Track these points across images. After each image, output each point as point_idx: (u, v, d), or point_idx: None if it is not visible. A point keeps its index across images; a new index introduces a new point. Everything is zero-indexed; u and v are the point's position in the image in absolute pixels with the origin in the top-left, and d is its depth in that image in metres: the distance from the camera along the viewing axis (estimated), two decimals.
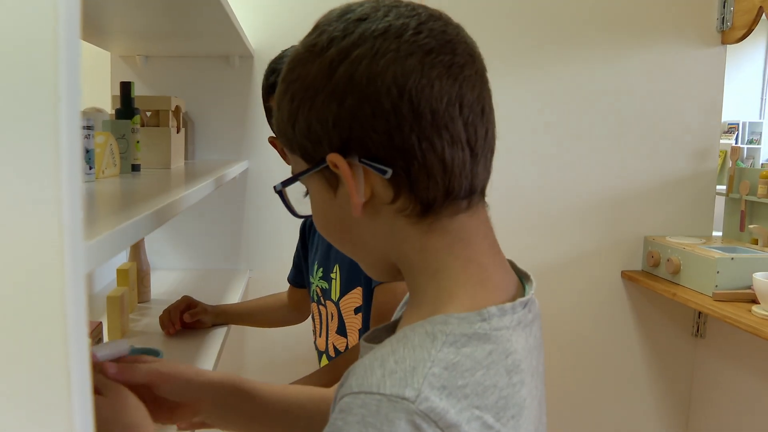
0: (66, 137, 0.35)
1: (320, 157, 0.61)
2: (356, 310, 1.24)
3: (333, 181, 0.63)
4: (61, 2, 0.34)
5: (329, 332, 1.34)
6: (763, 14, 2.14)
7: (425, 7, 0.64)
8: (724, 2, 2.31)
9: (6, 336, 0.36)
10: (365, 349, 0.68)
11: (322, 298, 1.36)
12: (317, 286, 1.39)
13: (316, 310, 1.41)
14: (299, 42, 0.64)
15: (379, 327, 0.73)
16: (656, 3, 2.32)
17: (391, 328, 0.71)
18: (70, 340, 0.36)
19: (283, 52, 1.37)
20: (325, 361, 1.39)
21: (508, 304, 0.61)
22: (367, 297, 1.21)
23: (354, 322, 1.26)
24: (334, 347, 1.33)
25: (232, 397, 0.86)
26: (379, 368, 0.55)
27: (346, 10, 0.62)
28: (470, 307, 0.60)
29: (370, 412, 0.53)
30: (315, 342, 1.45)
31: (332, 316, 1.31)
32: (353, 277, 1.24)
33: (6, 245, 0.36)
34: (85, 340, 0.37)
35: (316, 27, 0.63)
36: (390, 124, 0.58)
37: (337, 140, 0.60)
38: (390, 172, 0.59)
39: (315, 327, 1.44)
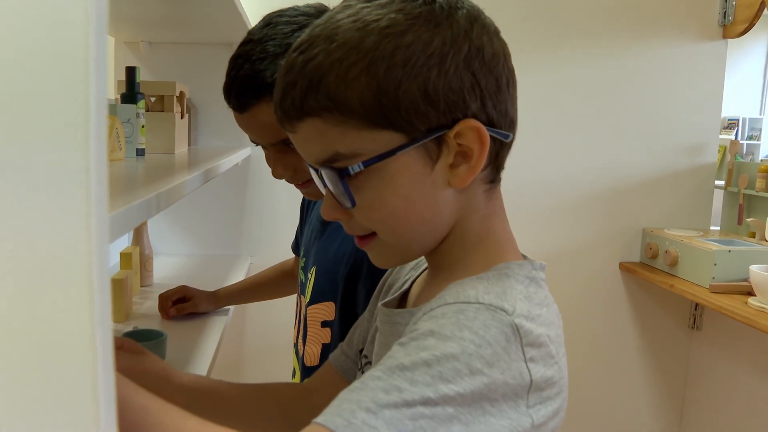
0: (94, 120, 0.36)
1: (438, 125, 0.59)
2: (324, 324, 1.13)
3: (434, 153, 0.61)
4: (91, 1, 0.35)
5: (298, 330, 1.21)
6: (765, 8, 2.14)
7: None
8: None
9: (34, 308, 0.38)
10: (390, 315, 0.72)
11: (299, 288, 1.26)
12: (300, 273, 1.28)
13: (296, 298, 1.30)
14: (365, 15, 0.59)
15: (388, 299, 0.76)
16: None
17: (401, 297, 0.76)
18: (96, 307, 0.38)
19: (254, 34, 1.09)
20: (294, 356, 1.29)
21: (543, 263, 0.69)
22: (344, 313, 1.08)
23: (319, 335, 1.14)
24: (297, 348, 1.22)
25: (202, 397, 0.87)
26: (472, 289, 0.59)
27: None
28: (517, 259, 0.66)
29: (467, 317, 0.56)
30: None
31: (301, 316, 1.19)
32: (327, 288, 1.11)
33: (37, 218, 0.37)
34: (108, 308, 0.39)
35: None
36: (506, 97, 0.64)
37: (472, 107, 0.60)
38: (511, 136, 0.65)
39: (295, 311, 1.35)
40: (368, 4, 0.60)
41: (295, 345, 1.22)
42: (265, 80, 0.94)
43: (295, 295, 1.59)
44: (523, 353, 0.55)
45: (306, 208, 1.44)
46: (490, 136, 0.61)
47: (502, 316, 0.56)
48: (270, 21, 0.99)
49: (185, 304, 1.56)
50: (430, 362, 0.52)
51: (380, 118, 0.58)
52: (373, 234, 0.66)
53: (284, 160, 1.01)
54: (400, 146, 0.59)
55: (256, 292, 1.65)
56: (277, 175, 1.02)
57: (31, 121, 0.37)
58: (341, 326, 1.09)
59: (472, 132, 0.60)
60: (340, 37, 0.58)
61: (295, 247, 1.57)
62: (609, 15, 2.32)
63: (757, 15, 2.19)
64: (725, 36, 2.36)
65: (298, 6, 1.03)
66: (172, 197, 0.87)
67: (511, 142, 0.66)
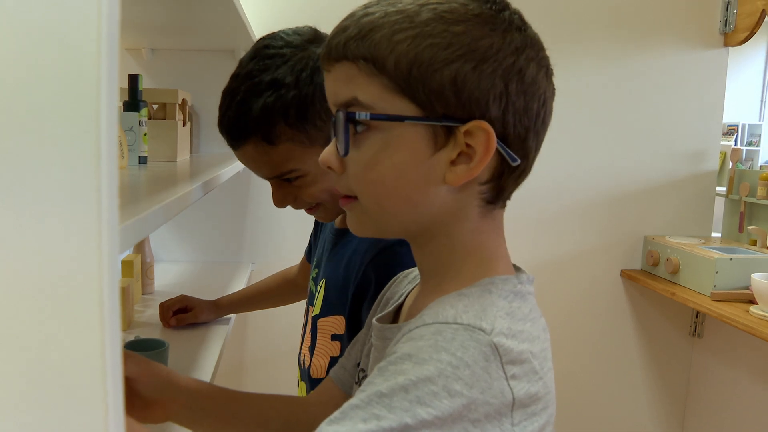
0: (105, 132, 0.36)
1: (454, 114, 0.61)
2: (333, 337, 1.12)
3: (440, 141, 0.62)
4: (104, 6, 0.36)
5: (304, 340, 1.21)
6: (766, 17, 2.15)
7: None
8: (728, 5, 2.32)
9: (44, 317, 0.38)
10: (381, 330, 0.72)
11: (308, 298, 1.26)
12: (311, 283, 1.28)
13: (305, 308, 1.30)
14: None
15: (383, 314, 0.76)
16: (660, 4, 2.33)
17: (395, 311, 0.76)
18: (105, 319, 0.37)
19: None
20: (298, 368, 1.29)
21: (531, 276, 0.69)
22: (351, 329, 1.08)
23: (328, 348, 1.13)
24: (304, 361, 1.20)
25: (205, 401, 0.89)
26: (452, 308, 0.60)
27: (500, 1, 0.65)
28: (505, 273, 0.67)
29: (444, 338, 0.56)
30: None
31: (309, 327, 1.18)
32: (336, 302, 1.11)
33: (47, 228, 0.37)
34: (117, 319, 0.39)
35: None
36: (530, 124, 0.64)
37: (492, 113, 0.61)
38: (519, 161, 0.64)
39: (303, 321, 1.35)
40: None
41: (301, 356, 1.21)
42: (250, 119, 0.96)
43: (297, 303, 1.60)
44: (504, 371, 0.56)
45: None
46: (498, 151, 0.62)
47: (480, 336, 0.56)
48: (256, 53, 1.00)
49: (186, 315, 1.56)
50: (407, 387, 0.53)
51: (405, 86, 0.60)
52: (356, 198, 0.67)
53: (283, 192, 1.03)
54: (411, 117, 0.61)
55: (258, 300, 1.64)
56: (278, 204, 1.05)
57: (43, 137, 0.37)
58: (350, 341, 1.08)
59: (481, 133, 0.61)
60: (402, 5, 0.62)
61: (308, 254, 1.55)
62: (611, 22, 2.32)
63: (758, 23, 2.19)
64: (726, 44, 2.37)
65: (287, 31, 1.03)
66: (177, 207, 0.87)
67: (521, 172, 0.67)
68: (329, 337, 1.12)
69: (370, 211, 0.66)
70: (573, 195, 2.37)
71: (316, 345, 1.13)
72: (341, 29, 0.64)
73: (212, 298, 1.62)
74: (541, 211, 2.36)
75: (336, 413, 0.54)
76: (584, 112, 2.35)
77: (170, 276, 2.06)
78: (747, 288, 1.99)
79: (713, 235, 2.48)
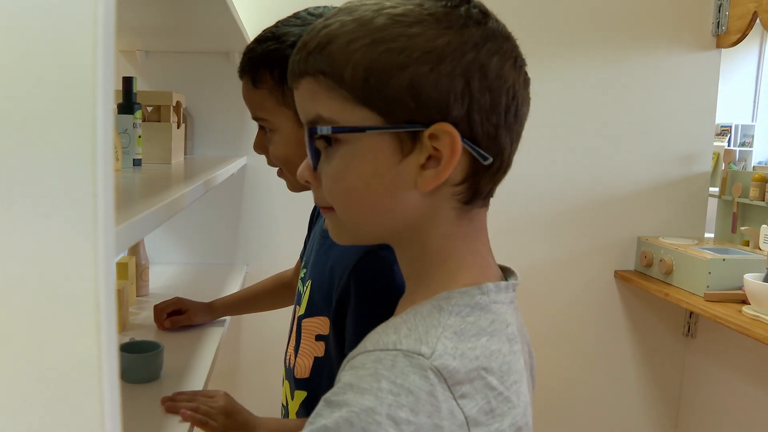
0: (102, 136, 0.37)
1: (416, 119, 0.60)
2: (318, 337, 1.13)
3: (407, 147, 0.61)
4: (100, 11, 0.36)
5: (290, 340, 1.22)
6: (758, 19, 2.16)
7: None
8: (720, 7, 2.33)
9: (40, 321, 0.38)
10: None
11: (296, 298, 1.26)
12: (299, 283, 1.28)
13: (293, 308, 1.30)
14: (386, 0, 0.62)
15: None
16: (653, 7, 2.34)
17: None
18: (102, 321, 0.38)
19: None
20: (284, 366, 1.31)
21: (503, 283, 0.66)
22: (337, 330, 1.09)
23: (312, 348, 1.14)
24: (289, 361, 1.21)
25: None
26: (394, 333, 0.59)
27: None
28: (471, 284, 0.64)
29: (384, 366, 0.55)
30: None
31: (294, 327, 1.20)
32: (321, 303, 1.12)
33: (43, 231, 0.38)
34: (114, 322, 0.39)
35: None
36: (500, 121, 0.62)
37: (454, 114, 0.60)
38: (490, 160, 0.62)
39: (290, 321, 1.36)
40: None
41: (286, 356, 1.22)
42: (250, 58, 1.05)
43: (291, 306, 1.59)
44: (452, 392, 0.55)
45: (313, 217, 1.43)
46: (468, 151, 0.61)
47: (420, 361, 0.55)
48: (297, 13, 1.13)
49: (179, 317, 1.56)
50: (351, 420, 0.52)
51: (364, 95, 0.60)
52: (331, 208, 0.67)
53: (260, 139, 1.10)
54: (372, 126, 0.60)
55: (253, 303, 1.63)
56: (254, 148, 1.12)
57: (39, 141, 0.38)
58: (335, 342, 1.09)
59: (445, 136, 0.59)
60: (358, 12, 0.61)
61: (302, 256, 1.55)
62: (604, 25, 2.33)
63: (750, 25, 2.20)
64: (719, 46, 2.38)
65: (331, 7, 1.08)
66: (172, 210, 0.87)
67: (497, 169, 0.65)
68: (314, 337, 1.13)
69: (345, 221, 0.66)
70: (567, 196, 2.38)
71: (301, 345, 1.14)
72: (303, 44, 0.63)
73: (207, 300, 1.62)
74: (535, 212, 2.36)
75: None
76: (578, 114, 2.36)
77: (165, 278, 2.06)
78: (740, 288, 2.00)
79: (706, 235, 2.50)
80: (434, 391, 0.54)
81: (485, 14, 0.63)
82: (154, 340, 1.32)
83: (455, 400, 0.55)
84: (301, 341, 1.14)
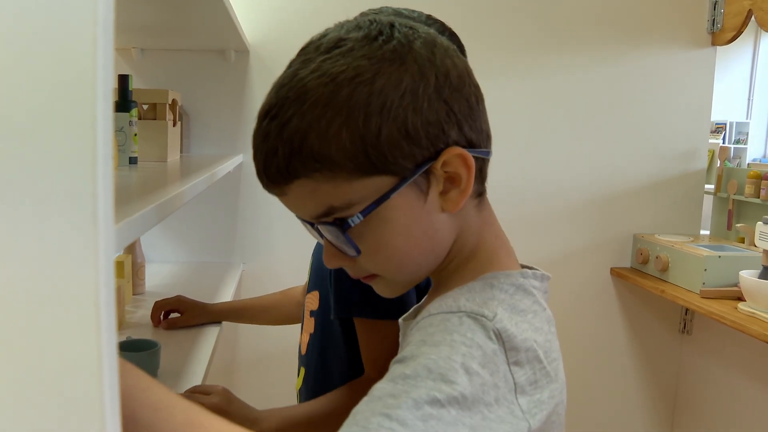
0: (101, 135, 0.36)
1: (423, 159, 0.60)
2: (311, 313, 1.16)
3: (424, 186, 0.62)
4: (100, 12, 0.36)
5: (303, 332, 1.25)
6: (752, 17, 2.17)
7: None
8: (715, 4, 2.34)
9: (39, 322, 0.38)
10: (403, 327, 0.75)
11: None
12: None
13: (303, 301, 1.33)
14: (329, 68, 0.59)
15: (406, 314, 0.77)
16: (648, 4, 2.34)
17: (416, 311, 0.76)
18: (102, 321, 0.38)
19: None
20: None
21: (538, 272, 0.69)
22: (324, 304, 1.12)
23: (308, 324, 1.18)
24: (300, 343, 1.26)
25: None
26: (454, 301, 0.61)
27: (378, 24, 0.63)
28: (510, 268, 0.68)
29: (453, 324, 0.58)
30: None
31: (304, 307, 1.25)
32: (317, 277, 1.15)
33: (44, 230, 0.38)
34: (114, 322, 0.39)
35: (346, 42, 0.61)
36: (477, 113, 0.65)
37: (453, 135, 0.62)
38: (491, 152, 0.67)
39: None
40: (328, 55, 0.60)
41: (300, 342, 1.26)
42: None
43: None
44: (507, 357, 0.58)
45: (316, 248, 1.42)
46: (474, 157, 0.63)
47: (484, 322, 0.58)
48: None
49: (177, 319, 1.55)
50: (429, 366, 0.54)
51: (368, 166, 0.59)
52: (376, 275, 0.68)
53: None
54: (393, 188, 0.60)
55: (254, 313, 1.58)
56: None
57: (39, 140, 0.37)
58: (322, 316, 1.12)
59: (457, 159, 0.61)
60: (311, 95, 0.58)
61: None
62: (601, 22, 2.33)
63: (745, 23, 2.21)
64: (714, 43, 2.38)
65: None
66: (169, 208, 0.87)
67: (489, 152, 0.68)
68: (309, 313, 1.17)
69: (396, 279, 0.68)
70: (563, 194, 2.38)
71: (303, 322, 1.20)
72: (270, 153, 0.61)
73: (203, 298, 1.62)
74: (532, 210, 2.37)
75: (365, 397, 0.54)
76: (574, 112, 2.36)
77: (161, 276, 2.05)
78: (735, 285, 2.00)
79: (702, 231, 2.50)
80: (497, 351, 0.57)
81: (411, 27, 0.64)
82: (151, 339, 1.32)
83: (509, 365, 0.57)
84: (303, 319, 1.20)
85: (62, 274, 0.38)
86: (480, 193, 0.69)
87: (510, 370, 0.57)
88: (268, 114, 0.61)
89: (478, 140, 0.65)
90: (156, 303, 1.55)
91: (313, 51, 0.62)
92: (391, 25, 0.63)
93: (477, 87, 0.66)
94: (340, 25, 0.65)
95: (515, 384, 0.57)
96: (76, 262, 0.38)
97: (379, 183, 0.60)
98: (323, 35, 0.64)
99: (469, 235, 0.68)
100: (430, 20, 0.70)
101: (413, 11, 0.71)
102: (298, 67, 0.62)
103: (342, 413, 0.54)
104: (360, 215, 0.61)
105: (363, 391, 0.56)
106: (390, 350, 0.78)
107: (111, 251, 0.40)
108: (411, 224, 0.63)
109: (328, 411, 1.05)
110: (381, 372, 0.58)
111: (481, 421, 0.53)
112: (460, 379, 0.53)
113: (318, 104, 0.58)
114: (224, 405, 1.07)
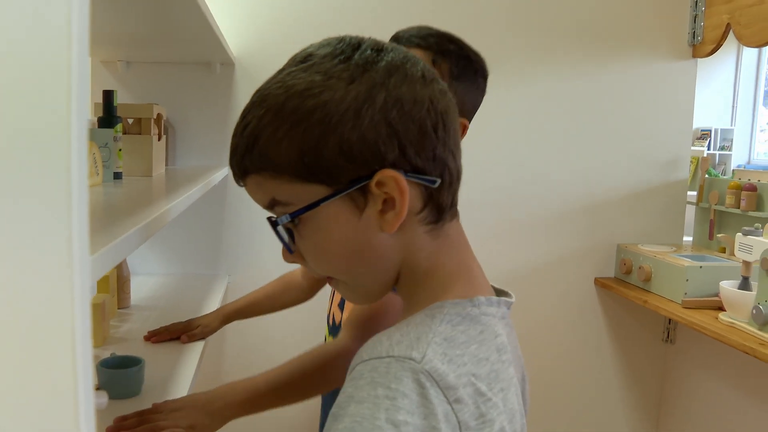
0: (76, 165, 0.37)
1: (358, 176, 0.63)
2: None
3: (361, 202, 0.65)
4: (74, 25, 0.36)
5: (333, 303, 1.35)
6: (731, 30, 2.20)
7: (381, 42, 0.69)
8: (695, 17, 2.37)
9: (15, 352, 0.39)
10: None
11: None
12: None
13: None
14: (289, 80, 0.64)
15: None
16: (631, 17, 2.37)
17: None
18: (78, 353, 0.38)
19: None
20: (326, 331, 1.42)
21: (494, 298, 0.70)
22: None
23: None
24: (333, 319, 1.35)
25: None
26: (387, 340, 0.62)
27: (344, 43, 0.66)
28: (462, 297, 0.67)
29: (379, 374, 0.58)
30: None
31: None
32: None
33: (18, 261, 0.38)
34: (90, 352, 0.40)
35: (312, 57, 0.65)
36: (433, 142, 0.65)
37: (390, 157, 0.63)
38: (439, 182, 0.66)
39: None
40: (294, 68, 0.65)
41: (330, 314, 1.32)
42: None
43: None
44: (445, 396, 0.58)
45: None
46: (414, 182, 0.65)
47: (411, 365, 0.58)
48: None
49: (195, 332, 1.57)
50: (354, 429, 0.55)
51: (306, 174, 0.63)
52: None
53: None
54: (323, 198, 0.64)
55: (264, 304, 1.63)
56: None
57: (13, 170, 0.38)
58: None
59: (389, 180, 0.63)
60: (268, 102, 0.64)
61: None
62: (585, 34, 2.36)
63: (724, 36, 2.24)
64: (695, 55, 2.42)
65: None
66: (153, 228, 0.88)
67: (451, 181, 0.68)
68: None
69: (348, 283, 0.71)
70: (548, 204, 2.40)
71: (345, 301, 1.25)
72: (234, 149, 0.68)
73: (189, 311, 1.63)
74: (517, 219, 2.38)
75: None
76: (558, 123, 2.38)
77: (147, 289, 2.05)
78: (717, 295, 2.02)
79: (686, 238, 2.53)
80: (427, 394, 0.57)
81: (379, 50, 0.66)
82: (135, 355, 1.32)
83: (450, 404, 0.58)
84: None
85: (37, 310, 0.39)
86: (436, 220, 0.68)
87: (453, 409, 0.58)
88: (242, 114, 0.67)
89: (425, 167, 0.65)
90: (172, 328, 1.57)
91: (289, 63, 0.67)
92: (357, 46, 0.66)
93: (441, 115, 0.66)
94: (320, 42, 0.68)
95: (459, 422, 0.58)
96: (51, 297, 0.39)
97: (315, 191, 0.64)
98: (303, 50, 0.68)
99: (420, 258, 0.69)
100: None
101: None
102: (273, 76, 0.67)
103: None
104: (288, 216, 0.65)
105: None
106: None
107: (87, 287, 0.41)
108: (345, 236, 0.66)
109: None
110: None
111: None
112: None
113: (270, 111, 0.64)
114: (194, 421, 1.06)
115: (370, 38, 0.68)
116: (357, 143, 0.62)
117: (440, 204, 0.68)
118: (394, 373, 0.58)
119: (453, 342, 0.62)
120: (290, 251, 0.70)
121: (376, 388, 0.57)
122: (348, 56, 0.64)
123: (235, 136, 0.68)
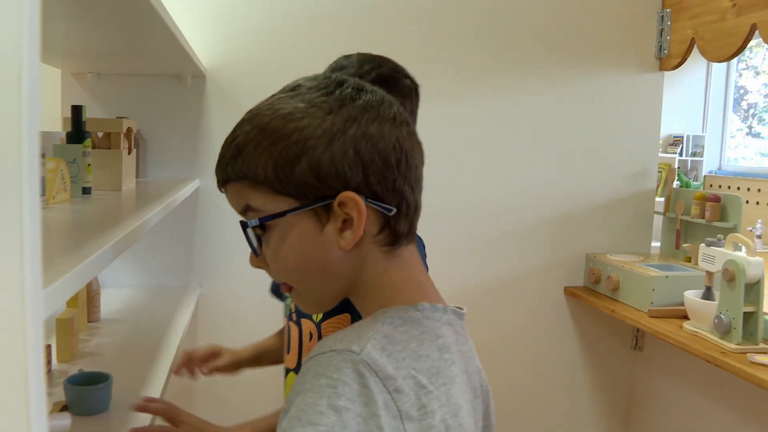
0: (28, 209, 0.38)
1: (324, 194, 0.70)
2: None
3: (323, 218, 0.72)
4: (25, 38, 0.37)
5: (302, 350, 1.24)
6: (695, 45, 2.25)
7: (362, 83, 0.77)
8: (661, 32, 2.42)
9: None
10: None
11: (295, 315, 1.28)
12: (288, 304, 1.30)
13: (287, 327, 1.31)
14: (277, 104, 0.73)
15: None
16: (599, 31, 2.42)
17: None
18: (31, 391, 0.39)
19: None
20: (291, 377, 1.33)
21: (440, 305, 0.75)
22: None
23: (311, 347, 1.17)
24: (291, 371, 1.26)
25: None
26: (331, 339, 0.68)
27: (330, 80, 0.75)
28: (407, 304, 0.73)
29: (322, 366, 0.63)
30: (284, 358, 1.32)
31: (311, 336, 1.23)
32: (341, 303, 1.14)
33: None
34: (43, 388, 0.41)
35: (300, 88, 0.75)
36: (394, 175, 0.72)
37: (353, 182, 0.70)
38: (395, 210, 0.73)
39: (284, 343, 1.37)
40: (284, 95, 0.74)
41: (294, 369, 1.26)
42: None
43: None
44: (384, 386, 0.63)
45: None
46: (373, 207, 0.71)
47: (351, 356, 0.63)
48: None
49: (220, 366, 1.44)
50: (299, 416, 0.60)
51: (279, 186, 0.71)
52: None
53: None
54: (291, 209, 0.71)
55: (266, 356, 1.51)
56: None
57: None
58: None
59: (350, 202, 0.70)
60: (256, 121, 0.73)
61: (275, 288, 1.47)
62: (554, 48, 2.39)
63: (689, 50, 2.29)
64: (662, 68, 2.47)
65: None
66: (119, 249, 0.88)
67: (407, 211, 0.74)
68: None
69: (302, 293, 0.77)
70: (518, 215, 2.43)
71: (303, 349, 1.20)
72: (221, 157, 0.75)
73: (160, 322, 1.62)
74: (488, 230, 2.41)
75: None
76: (528, 135, 2.41)
77: (117, 302, 2.04)
78: (682, 304, 2.06)
79: (654, 244, 2.57)
80: (367, 383, 0.62)
81: (359, 90, 0.74)
82: (103, 371, 1.32)
83: (389, 393, 0.62)
84: (302, 346, 1.21)
85: None
86: (392, 243, 0.74)
87: (393, 399, 0.62)
88: (233, 128, 0.75)
89: (384, 196, 0.72)
90: (189, 355, 1.42)
91: (280, 90, 0.76)
92: (341, 84, 0.74)
93: (406, 154, 0.73)
94: (310, 77, 0.77)
95: (399, 411, 0.62)
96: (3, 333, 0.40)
97: (285, 202, 0.71)
98: (295, 81, 0.77)
99: (372, 274, 0.75)
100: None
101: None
102: (265, 99, 0.76)
103: None
104: (257, 220, 0.72)
105: None
106: None
107: (39, 325, 0.41)
108: (305, 247, 0.72)
109: None
110: None
111: None
112: (327, 419, 0.59)
113: (256, 128, 0.72)
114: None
115: (354, 79, 0.76)
116: (326, 165, 0.69)
117: (397, 230, 0.74)
118: (335, 364, 0.63)
119: (392, 339, 0.67)
120: (257, 254, 0.76)
121: (319, 379, 0.62)
122: (331, 91, 0.73)
123: (223, 146, 0.75)
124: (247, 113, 0.75)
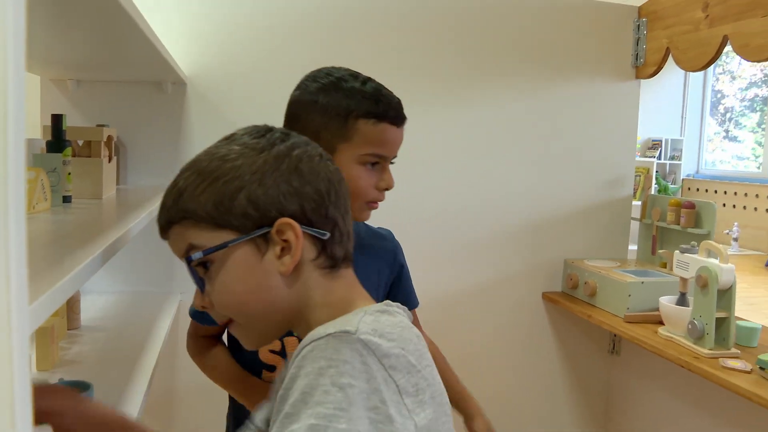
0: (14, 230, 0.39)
1: (262, 224, 0.76)
2: None
3: (263, 247, 0.76)
4: (9, 46, 0.38)
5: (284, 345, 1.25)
6: (670, 54, 2.29)
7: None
8: (638, 41, 2.46)
9: None
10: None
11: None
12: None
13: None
14: (214, 150, 0.80)
15: None
16: (577, 39, 2.45)
17: None
18: (16, 404, 0.40)
19: None
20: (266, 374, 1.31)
21: (397, 303, 0.81)
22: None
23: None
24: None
25: None
26: (322, 328, 0.70)
27: (260, 128, 0.83)
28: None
29: (320, 349, 0.66)
30: (258, 354, 1.35)
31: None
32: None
33: None
34: (29, 408, 0.42)
35: (234, 135, 0.82)
36: (325, 204, 0.79)
37: (289, 210, 0.76)
38: (328, 235, 0.79)
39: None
40: (220, 143, 0.82)
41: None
42: None
43: None
44: (381, 363, 0.66)
45: None
46: (307, 233, 0.77)
47: (347, 337, 0.66)
48: None
49: None
50: (304, 399, 0.62)
51: (220, 220, 0.76)
52: (232, 320, 0.81)
53: None
54: (231, 240, 0.76)
55: None
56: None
57: None
58: None
59: (287, 227, 0.75)
60: (195, 166, 0.79)
61: (196, 312, 1.44)
62: (532, 57, 2.43)
63: (664, 59, 2.34)
64: (638, 76, 2.51)
65: None
66: (107, 257, 0.89)
67: (341, 237, 0.81)
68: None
69: (245, 325, 0.80)
70: (497, 221, 2.46)
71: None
72: (162, 204, 0.81)
73: (141, 329, 1.62)
74: (466, 236, 2.43)
75: None
76: (506, 142, 2.44)
77: (97, 308, 2.04)
78: (657, 310, 2.10)
79: (631, 248, 2.61)
80: (366, 360, 0.65)
81: (286, 134, 0.83)
82: (83, 380, 1.32)
83: (386, 370, 0.66)
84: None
85: None
86: (331, 266, 0.80)
87: (390, 375, 0.66)
88: (174, 177, 0.81)
89: (318, 223, 0.78)
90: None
91: (218, 141, 0.83)
92: (270, 130, 0.82)
93: (334, 185, 0.81)
94: (243, 128, 0.84)
95: (398, 386, 0.66)
96: None
97: (225, 235, 0.76)
98: (231, 132, 0.84)
99: (316, 295, 0.79)
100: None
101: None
102: (204, 149, 0.82)
103: None
104: (201, 253, 0.76)
105: None
106: None
107: (25, 360, 0.42)
108: (247, 275, 0.77)
109: None
110: None
111: (369, 425, 0.61)
112: (333, 397, 0.61)
113: (195, 172, 0.78)
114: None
115: (280, 128, 0.84)
116: (263, 197, 0.76)
117: (333, 254, 0.80)
118: (333, 346, 0.65)
119: (379, 323, 0.71)
120: (202, 290, 0.80)
121: (319, 361, 0.64)
122: (262, 134, 0.81)
123: (165, 195, 0.81)
124: (187, 163, 0.81)
